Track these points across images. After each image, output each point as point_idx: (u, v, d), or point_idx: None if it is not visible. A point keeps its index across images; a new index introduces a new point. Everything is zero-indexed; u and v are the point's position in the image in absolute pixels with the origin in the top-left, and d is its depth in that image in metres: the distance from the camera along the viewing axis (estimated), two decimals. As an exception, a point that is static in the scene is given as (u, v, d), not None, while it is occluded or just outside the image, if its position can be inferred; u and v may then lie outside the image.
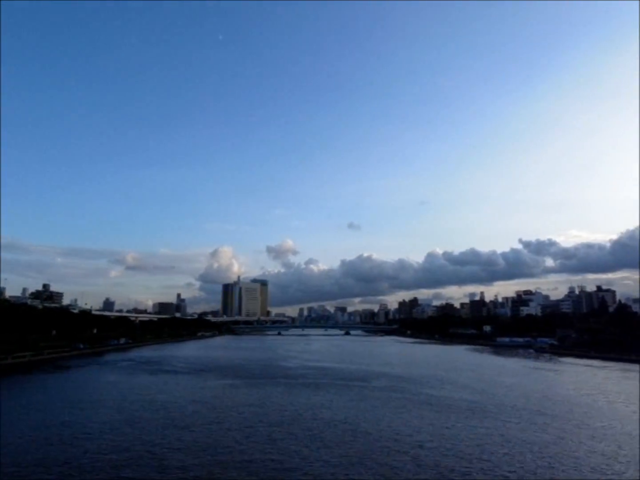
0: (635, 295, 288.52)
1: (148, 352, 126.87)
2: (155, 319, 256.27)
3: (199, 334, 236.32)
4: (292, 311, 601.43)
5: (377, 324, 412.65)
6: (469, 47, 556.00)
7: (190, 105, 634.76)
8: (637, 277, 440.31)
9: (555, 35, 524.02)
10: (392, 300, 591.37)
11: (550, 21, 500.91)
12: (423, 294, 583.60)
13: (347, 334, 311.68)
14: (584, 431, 36.16)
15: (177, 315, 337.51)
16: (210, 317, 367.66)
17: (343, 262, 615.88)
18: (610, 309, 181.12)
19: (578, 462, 27.87)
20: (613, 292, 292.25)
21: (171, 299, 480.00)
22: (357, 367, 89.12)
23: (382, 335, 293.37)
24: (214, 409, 44.81)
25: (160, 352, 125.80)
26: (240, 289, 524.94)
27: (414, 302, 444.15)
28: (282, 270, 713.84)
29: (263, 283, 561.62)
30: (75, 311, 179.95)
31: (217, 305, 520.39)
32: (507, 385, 63.27)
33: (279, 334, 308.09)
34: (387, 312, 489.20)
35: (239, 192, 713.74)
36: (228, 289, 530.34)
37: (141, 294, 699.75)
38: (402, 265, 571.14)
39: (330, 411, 43.40)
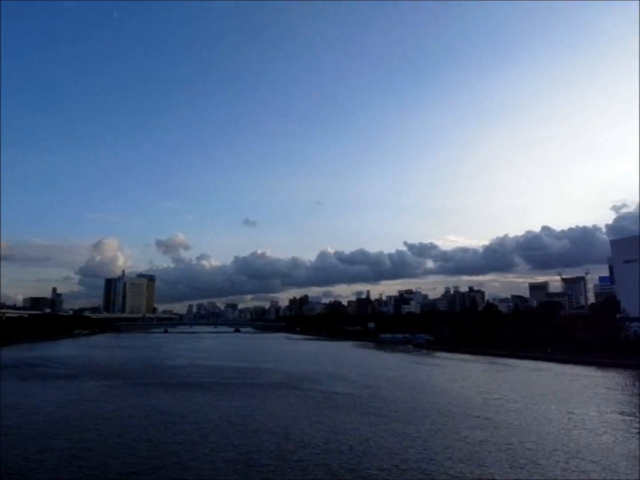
0: (502, 295, 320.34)
1: (15, 352, 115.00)
2: (26, 315, 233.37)
3: (76, 331, 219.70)
4: (180, 308, 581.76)
5: (267, 321, 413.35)
6: (376, 52, 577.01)
7: (76, 83, 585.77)
8: (503, 279, 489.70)
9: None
10: (284, 297, 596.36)
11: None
12: (314, 291, 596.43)
13: (237, 331, 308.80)
14: (461, 422, 38.50)
15: (49, 311, 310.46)
16: (89, 314, 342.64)
17: (236, 259, 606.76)
18: (480, 308, 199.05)
19: (458, 451, 29.64)
20: (482, 293, 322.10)
21: (46, 293, 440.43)
22: (247, 364, 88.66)
23: (272, 332, 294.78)
24: (87, 414, 41.69)
25: (30, 353, 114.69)
26: (124, 284, 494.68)
27: (305, 299, 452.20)
28: (172, 265, 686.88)
29: (150, 278, 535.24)
30: None
31: (98, 301, 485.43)
32: (389, 379, 66.72)
33: (166, 331, 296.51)
34: (278, 310, 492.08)
35: (127, 181, 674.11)
36: (111, 284, 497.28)
37: (10, 287, 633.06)
38: (295, 263, 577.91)
39: (219, 411, 42.37)
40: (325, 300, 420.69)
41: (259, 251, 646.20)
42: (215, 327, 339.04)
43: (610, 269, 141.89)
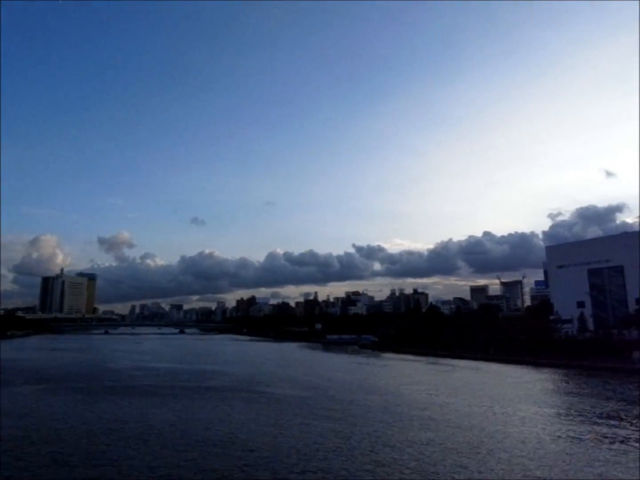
0: (444, 297, 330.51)
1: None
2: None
3: (9, 333, 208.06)
4: (122, 308, 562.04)
5: (214, 322, 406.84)
6: (330, 55, 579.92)
7: (12, 75, 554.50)
8: (446, 282, 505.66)
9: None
10: (231, 298, 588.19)
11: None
12: (262, 292, 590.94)
13: (182, 332, 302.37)
14: (407, 422, 39.36)
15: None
16: (23, 314, 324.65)
17: (183, 258, 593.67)
18: (424, 310, 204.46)
19: (405, 451, 30.22)
20: (426, 295, 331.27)
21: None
22: (192, 367, 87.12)
23: (218, 334, 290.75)
24: (18, 417, 39.76)
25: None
26: (63, 282, 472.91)
27: (252, 300, 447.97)
28: (115, 264, 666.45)
29: (91, 277, 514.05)
30: None
31: (34, 301, 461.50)
32: (336, 380, 67.37)
33: (107, 332, 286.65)
34: (224, 311, 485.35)
35: (67, 175, 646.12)
36: (48, 283, 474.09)
37: None
38: (243, 263, 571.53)
39: (161, 416, 41.17)
40: (273, 302, 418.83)
41: (207, 251, 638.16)
42: (159, 329, 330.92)
43: (545, 273, 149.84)
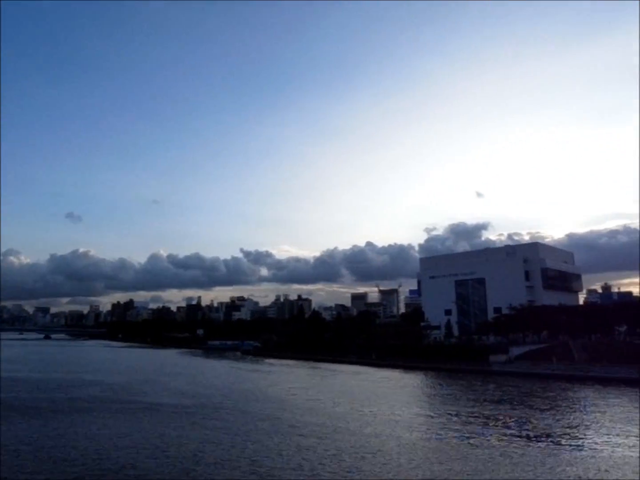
0: (327, 304, 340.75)
1: None
2: None
3: None
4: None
5: (85, 327, 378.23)
6: (226, 57, 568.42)
7: None
8: (329, 289, 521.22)
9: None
10: (107, 302, 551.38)
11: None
12: (141, 296, 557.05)
13: (48, 337, 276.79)
14: (289, 428, 39.78)
15: None
16: None
17: (53, 257, 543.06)
18: (307, 316, 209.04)
19: (289, 458, 30.62)
20: (310, 301, 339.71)
21: None
22: (57, 375, 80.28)
23: (89, 339, 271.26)
24: None
25: None
26: None
27: (130, 304, 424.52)
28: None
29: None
30: None
31: None
32: (217, 387, 66.32)
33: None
34: (98, 315, 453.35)
35: None
36: None
37: None
38: (122, 264, 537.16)
39: (17, 434, 37.11)
40: (154, 306, 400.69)
41: (82, 249, 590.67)
42: (21, 334, 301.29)
43: (419, 283, 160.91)
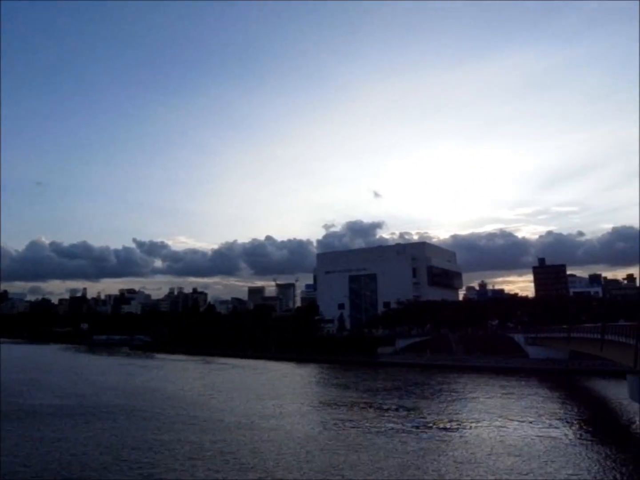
0: (224, 297, 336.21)
1: None
2: None
3: None
4: None
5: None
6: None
7: None
8: (227, 282, 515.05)
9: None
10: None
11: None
12: (18, 287, 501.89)
13: None
14: (183, 425, 39.09)
15: None
16: None
17: None
18: (202, 309, 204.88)
19: (188, 457, 29.92)
20: (206, 295, 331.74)
21: None
22: None
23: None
24: None
25: None
26: None
27: (4, 295, 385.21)
28: None
29: None
30: None
31: None
32: (101, 385, 63.27)
33: None
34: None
35: None
36: None
37: None
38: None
39: None
40: (32, 297, 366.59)
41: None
42: None
43: (315, 278, 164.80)
